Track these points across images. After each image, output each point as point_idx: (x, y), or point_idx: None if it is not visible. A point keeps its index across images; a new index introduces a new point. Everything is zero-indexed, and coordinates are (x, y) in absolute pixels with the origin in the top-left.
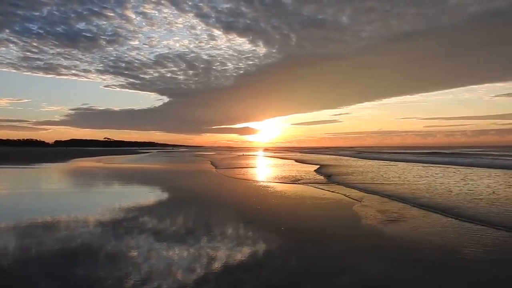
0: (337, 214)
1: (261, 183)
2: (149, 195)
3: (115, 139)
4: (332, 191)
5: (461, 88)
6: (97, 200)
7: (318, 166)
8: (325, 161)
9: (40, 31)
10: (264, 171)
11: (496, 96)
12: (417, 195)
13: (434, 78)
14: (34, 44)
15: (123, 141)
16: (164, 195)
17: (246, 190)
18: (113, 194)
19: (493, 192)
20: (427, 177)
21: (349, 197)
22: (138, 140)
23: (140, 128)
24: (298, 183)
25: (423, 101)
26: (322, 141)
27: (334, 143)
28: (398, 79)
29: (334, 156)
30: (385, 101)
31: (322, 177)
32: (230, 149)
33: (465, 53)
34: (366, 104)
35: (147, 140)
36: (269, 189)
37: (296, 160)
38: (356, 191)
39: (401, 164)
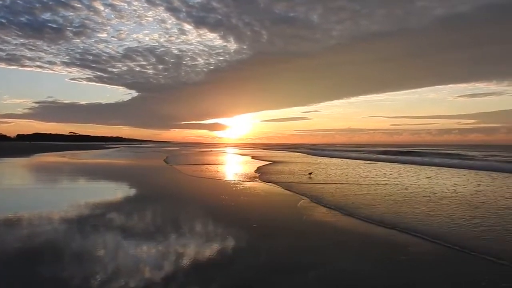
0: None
1: (201, 178)
2: (111, 191)
3: (81, 134)
4: (257, 184)
5: (426, 88)
6: (60, 197)
7: (268, 163)
8: (278, 158)
9: (3, 20)
10: (213, 167)
11: (459, 96)
12: (315, 192)
13: (401, 77)
14: None
15: (89, 135)
16: (124, 192)
17: (188, 184)
18: (75, 191)
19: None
20: (356, 173)
21: (264, 190)
22: (105, 135)
23: (107, 122)
24: (229, 179)
25: (390, 100)
26: (291, 138)
27: (303, 140)
28: (366, 78)
29: (294, 153)
30: (354, 99)
31: (256, 174)
32: (198, 145)
33: (431, 54)
34: (335, 102)
35: (114, 135)
36: (201, 183)
37: (253, 157)
38: (275, 186)
39: (346, 161)
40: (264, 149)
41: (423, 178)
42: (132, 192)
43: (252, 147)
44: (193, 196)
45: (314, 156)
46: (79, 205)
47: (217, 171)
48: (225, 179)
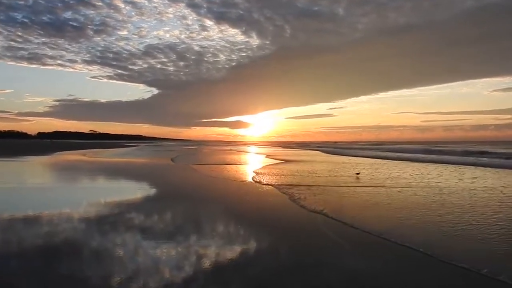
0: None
1: (206, 178)
2: (130, 191)
3: (101, 132)
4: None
5: (459, 82)
6: (81, 196)
7: (278, 162)
8: (293, 157)
9: (25, 20)
10: (224, 167)
11: (494, 90)
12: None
13: (432, 72)
14: (19, 33)
15: (109, 134)
16: (135, 190)
17: (194, 182)
18: (96, 190)
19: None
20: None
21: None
22: (125, 133)
23: (128, 120)
24: (225, 179)
25: (420, 95)
26: (316, 135)
27: (328, 138)
28: (395, 72)
29: (314, 151)
30: (382, 95)
31: (254, 174)
32: (218, 143)
33: (462, 47)
34: (362, 98)
35: (134, 133)
36: (199, 182)
37: (267, 156)
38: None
39: (368, 160)
40: (284, 147)
41: (469, 179)
42: (143, 191)
43: (272, 145)
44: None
45: (334, 155)
46: (99, 204)
47: (220, 169)
48: (217, 177)
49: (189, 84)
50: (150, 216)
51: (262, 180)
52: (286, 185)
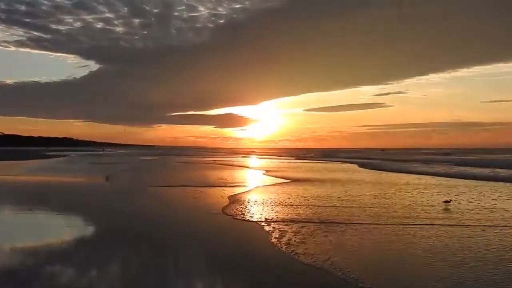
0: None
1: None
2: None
3: (7, 133)
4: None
5: None
6: None
7: (285, 181)
8: (309, 173)
9: None
10: (192, 191)
11: None
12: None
13: None
14: None
15: (21, 136)
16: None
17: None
18: None
19: None
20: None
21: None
22: (46, 135)
23: (50, 114)
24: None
25: None
26: (357, 138)
27: (377, 142)
28: (483, 36)
29: (348, 165)
30: (464, 72)
31: (235, 201)
32: (200, 151)
33: None
34: (431, 77)
35: (60, 135)
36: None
37: (267, 171)
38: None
39: (448, 180)
40: (298, 158)
41: None
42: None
43: (281, 154)
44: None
45: (382, 172)
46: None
47: (184, 194)
48: (172, 208)
49: (149, 55)
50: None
51: (241, 212)
52: (286, 221)
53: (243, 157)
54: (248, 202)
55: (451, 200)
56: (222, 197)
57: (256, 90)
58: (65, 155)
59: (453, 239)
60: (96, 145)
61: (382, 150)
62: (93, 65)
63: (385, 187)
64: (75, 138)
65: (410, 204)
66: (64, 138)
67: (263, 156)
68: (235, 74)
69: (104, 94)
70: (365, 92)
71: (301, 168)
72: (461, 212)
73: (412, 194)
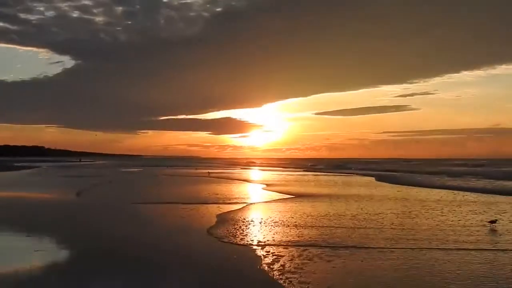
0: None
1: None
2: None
3: None
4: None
5: None
6: None
7: (288, 196)
8: (317, 187)
9: None
10: (180, 208)
11: None
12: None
13: None
14: None
15: None
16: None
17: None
18: None
19: None
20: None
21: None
22: (12, 144)
23: (17, 119)
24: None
25: None
26: (377, 146)
27: (402, 151)
28: None
29: (365, 178)
30: (502, 69)
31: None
32: (193, 161)
33: None
34: (465, 75)
35: (30, 144)
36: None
37: (268, 185)
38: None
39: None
40: (307, 170)
41: None
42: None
43: (286, 166)
44: None
45: (406, 187)
46: None
47: (171, 212)
48: (155, 227)
49: (134, 50)
50: None
51: (230, 233)
52: (283, 244)
53: (242, 168)
54: (240, 221)
55: (497, 220)
56: (212, 215)
57: (259, 90)
58: (35, 167)
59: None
60: (71, 155)
61: (407, 160)
62: (68, 61)
63: (408, 204)
64: (46, 147)
65: (441, 225)
66: (34, 147)
67: (266, 168)
68: (235, 72)
69: (81, 95)
70: (387, 93)
71: (308, 181)
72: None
73: (442, 212)
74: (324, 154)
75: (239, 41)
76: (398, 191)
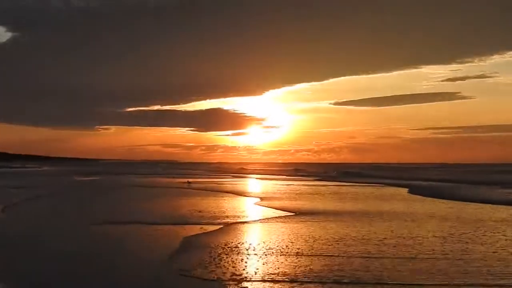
0: None
1: None
2: None
3: None
4: None
5: None
6: None
7: (287, 214)
8: (329, 202)
9: None
10: (140, 229)
11: None
12: None
13: None
14: None
15: None
16: None
17: None
18: None
19: None
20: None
21: None
22: None
23: None
24: None
25: None
26: (417, 146)
27: (448, 153)
28: None
29: (394, 189)
30: None
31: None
32: (171, 167)
33: None
34: None
35: None
36: None
37: (263, 199)
38: None
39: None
40: (320, 178)
41: None
42: None
43: (298, 174)
44: None
45: (443, 200)
46: None
47: (129, 234)
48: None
49: (92, 19)
50: None
51: (198, 264)
52: (269, 279)
53: (234, 176)
54: (214, 247)
55: None
56: (178, 239)
57: (259, 72)
58: None
59: None
60: (9, 159)
61: (455, 166)
62: (4, 34)
63: (457, 226)
64: None
65: (501, 253)
66: None
67: (266, 176)
68: (226, 49)
69: (21, 78)
70: (430, 76)
71: (317, 194)
72: None
73: (505, 235)
74: (346, 157)
75: (231, 10)
76: (441, 207)
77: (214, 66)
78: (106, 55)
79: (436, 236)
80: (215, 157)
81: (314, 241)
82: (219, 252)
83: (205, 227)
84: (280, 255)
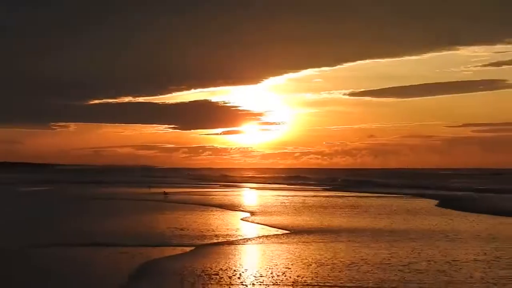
0: None
1: None
2: None
3: None
4: None
5: None
6: None
7: (283, 232)
8: (338, 217)
9: None
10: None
11: None
12: None
13: None
14: None
15: None
16: None
17: None
18: None
19: None
20: None
21: None
22: None
23: None
24: None
25: None
26: (452, 147)
27: (491, 156)
28: None
29: (420, 200)
30: None
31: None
32: (144, 172)
33: None
34: None
35: None
36: None
37: (253, 214)
38: None
39: None
40: (331, 187)
41: None
42: None
43: (304, 183)
44: None
45: (479, 215)
46: None
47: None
48: None
49: None
50: None
51: None
52: None
53: (222, 186)
54: (181, 274)
55: None
56: (136, 264)
57: (255, 56)
58: None
59: None
60: None
61: (500, 172)
62: None
63: (504, 247)
64: None
65: None
66: None
67: (262, 185)
68: (213, 27)
69: None
70: (468, 60)
71: (320, 207)
72: None
73: None
74: (365, 161)
75: None
76: (481, 224)
77: (199, 50)
78: (64, 36)
79: (478, 260)
80: (201, 162)
81: (300, 267)
82: (185, 280)
83: (173, 248)
84: (259, 285)
